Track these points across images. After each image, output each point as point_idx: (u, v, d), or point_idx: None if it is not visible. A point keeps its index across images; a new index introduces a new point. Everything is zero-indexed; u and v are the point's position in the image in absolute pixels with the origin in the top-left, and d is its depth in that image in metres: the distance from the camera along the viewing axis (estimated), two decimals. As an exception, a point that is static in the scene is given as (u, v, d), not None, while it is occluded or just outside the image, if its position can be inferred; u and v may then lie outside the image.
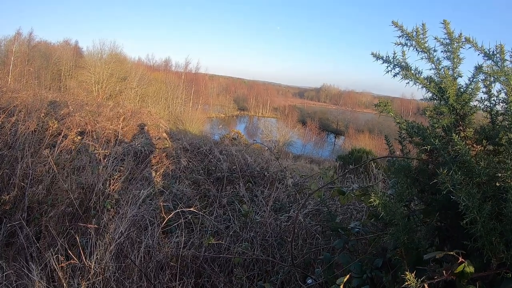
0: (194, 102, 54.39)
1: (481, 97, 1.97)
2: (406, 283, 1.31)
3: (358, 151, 22.22)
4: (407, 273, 1.30)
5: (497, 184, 1.58)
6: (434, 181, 1.58)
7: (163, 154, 7.53)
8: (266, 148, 8.61)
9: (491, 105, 1.96)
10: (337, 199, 3.96)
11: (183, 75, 58.02)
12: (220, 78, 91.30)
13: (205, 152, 7.89)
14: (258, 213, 4.39)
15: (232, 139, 10.39)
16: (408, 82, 1.96)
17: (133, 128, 9.29)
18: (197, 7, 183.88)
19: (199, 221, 4.17)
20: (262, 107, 78.85)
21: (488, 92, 1.94)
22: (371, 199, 1.83)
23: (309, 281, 2.58)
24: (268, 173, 6.88)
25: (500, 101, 1.90)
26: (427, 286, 1.32)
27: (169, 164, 6.96)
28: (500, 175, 1.56)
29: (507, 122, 1.77)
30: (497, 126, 1.87)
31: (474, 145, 1.86)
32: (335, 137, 65.09)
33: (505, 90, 1.80)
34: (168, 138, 8.73)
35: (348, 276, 1.44)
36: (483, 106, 1.99)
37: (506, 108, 1.81)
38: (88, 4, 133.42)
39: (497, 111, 1.93)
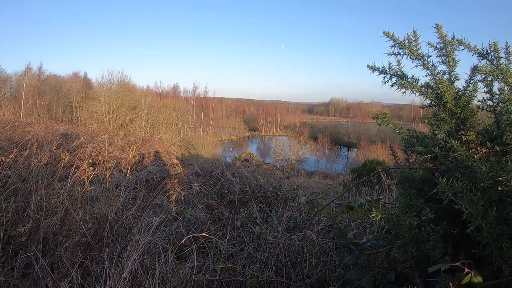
0: (204, 126, 54.71)
1: (483, 97, 1.94)
2: None
3: (371, 163, 22.02)
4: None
5: (499, 188, 1.54)
6: (434, 191, 1.55)
7: (175, 180, 7.52)
8: (277, 168, 8.57)
9: (494, 104, 1.92)
10: (349, 214, 3.94)
11: (192, 100, 58.53)
12: (229, 101, 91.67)
13: (217, 176, 7.86)
14: (271, 233, 4.35)
15: (244, 161, 10.37)
16: (405, 92, 1.94)
17: (145, 156, 9.33)
18: (201, 32, 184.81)
19: (213, 245, 4.15)
20: (272, 126, 79.07)
21: (490, 91, 1.91)
22: (373, 215, 1.80)
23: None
24: (281, 192, 6.83)
25: (502, 100, 1.86)
26: None
27: (181, 190, 6.95)
28: (501, 179, 1.52)
29: (508, 121, 1.74)
30: (502, 126, 1.83)
31: (478, 148, 1.82)
32: (348, 150, 64.94)
33: (505, 87, 1.78)
34: (179, 164, 8.74)
35: None
36: (486, 106, 1.96)
37: (504, 106, 1.78)
38: (94, 36, 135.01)
39: (501, 110, 1.88)
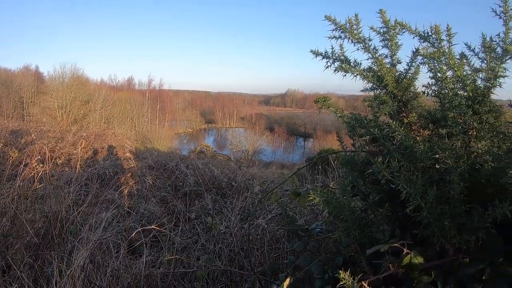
0: (160, 119, 54.00)
1: (428, 82, 1.95)
2: (341, 283, 1.25)
3: (326, 151, 22.25)
4: (341, 272, 1.24)
5: (437, 166, 1.55)
6: (370, 170, 1.55)
7: (128, 175, 7.41)
8: (229, 158, 8.57)
9: (438, 88, 1.93)
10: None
11: (147, 93, 57.64)
12: (185, 93, 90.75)
13: (171, 169, 7.79)
14: (224, 223, 4.33)
15: (200, 153, 10.32)
16: (345, 75, 1.94)
17: (98, 151, 9.16)
18: (155, 23, 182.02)
19: (167, 239, 4.10)
20: (229, 118, 78.93)
21: (435, 76, 1.91)
22: (311, 197, 1.78)
23: (274, 287, 2.53)
24: (235, 183, 6.84)
25: (445, 82, 1.87)
26: (366, 283, 1.26)
27: (135, 184, 6.86)
28: (438, 156, 1.53)
29: (447, 102, 1.76)
30: (445, 108, 1.84)
31: (421, 131, 1.83)
32: (304, 141, 65.46)
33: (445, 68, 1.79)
34: (133, 158, 8.61)
35: (289, 278, 1.38)
36: (431, 91, 1.97)
37: (441, 86, 1.80)
38: (46, 28, 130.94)
39: (444, 92, 1.89)
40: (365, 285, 1.22)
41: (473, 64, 1.80)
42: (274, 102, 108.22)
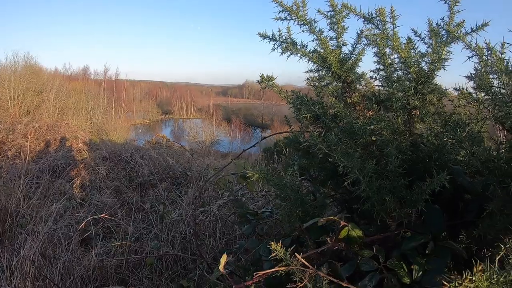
0: (116, 110, 52.98)
1: (376, 67, 1.97)
2: (273, 254, 1.25)
3: (282, 141, 22.33)
4: (272, 243, 1.24)
5: (373, 138, 1.57)
6: (305, 143, 1.56)
7: (81, 165, 7.28)
8: (182, 146, 8.53)
9: (386, 73, 1.95)
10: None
11: (103, 83, 56.39)
12: (142, 83, 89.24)
13: (126, 159, 7.69)
14: (176, 211, 4.31)
15: (156, 143, 10.22)
16: (290, 55, 1.94)
17: (50, 142, 8.96)
18: (112, 12, 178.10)
19: (121, 229, 4.06)
20: (186, 109, 78.21)
21: (382, 60, 1.93)
22: (249, 174, 1.78)
23: (224, 272, 2.52)
24: (190, 172, 6.82)
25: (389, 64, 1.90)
26: (302, 258, 1.25)
27: (87, 175, 6.75)
28: (373, 127, 1.55)
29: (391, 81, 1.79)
30: (391, 90, 1.86)
31: (365, 111, 1.85)
32: (262, 131, 65.55)
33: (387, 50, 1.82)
34: (86, 149, 8.46)
35: (225, 255, 1.37)
36: (378, 76, 1.99)
37: (386, 69, 1.82)
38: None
39: (389, 73, 1.91)
40: (299, 256, 1.21)
41: (419, 49, 1.83)
42: (232, 93, 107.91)
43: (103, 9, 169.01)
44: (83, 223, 3.47)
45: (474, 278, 0.98)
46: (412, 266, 1.45)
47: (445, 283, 1.00)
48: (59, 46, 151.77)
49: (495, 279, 0.98)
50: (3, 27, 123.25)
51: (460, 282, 0.98)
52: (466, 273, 0.98)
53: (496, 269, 0.98)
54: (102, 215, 3.58)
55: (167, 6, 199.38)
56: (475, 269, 0.99)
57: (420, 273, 1.43)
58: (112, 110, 50.26)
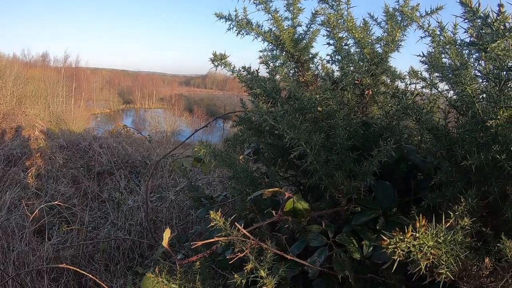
0: (76, 99, 51.78)
1: (328, 42, 1.97)
2: (212, 224, 1.23)
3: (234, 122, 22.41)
4: (211, 212, 1.22)
5: (320, 108, 1.57)
6: (249, 114, 1.54)
7: (37, 154, 7.12)
8: (139, 133, 8.47)
9: (338, 49, 1.95)
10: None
11: (63, 70, 55.10)
12: (103, 72, 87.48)
13: (84, 148, 7.56)
14: (132, 199, 4.27)
15: (116, 132, 10.10)
16: (244, 34, 1.92)
17: (6, 131, 8.75)
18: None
19: (77, 219, 3.98)
20: (148, 98, 77.18)
21: (333, 35, 1.93)
22: (196, 148, 1.76)
23: (179, 256, 2.50)
24: (150, 161, 6.76)
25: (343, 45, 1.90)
26: (246, 231, 1.24)
27: (43, 163, 6.60)
28: (318, 96, 1.55)
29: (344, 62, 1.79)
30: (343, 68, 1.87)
31: (318, 91, 1.85)
32: (224, 122, 65.53)
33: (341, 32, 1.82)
34: (43, 138, 8.27)
35: (168, 229, 1.34)
36: (335, 60, 1.99)
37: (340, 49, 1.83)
38: None
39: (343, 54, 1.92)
40: (240, 227, 1.19)
41: (374, 32, 1.84)
42: (194, 83, 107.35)
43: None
44: (36, 211, 3.39)
45: (417, 235, 0.93)
46: (362, 242, 1.45)
47: (385, 238, 0.94)
48: (17, 31, 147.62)
49: (442, 238, 0.94)
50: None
51: (401, 237, 0.92)
52: (409, 229, 0.93)
53: (443, 228, 0.95)
54: (56, 203, 3.50)
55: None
56: (418, 225, 0.93)
57: (371, 248, 1.43)
58: (72, 99, 49.19)
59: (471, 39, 1.14)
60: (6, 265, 3.10)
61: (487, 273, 1.10)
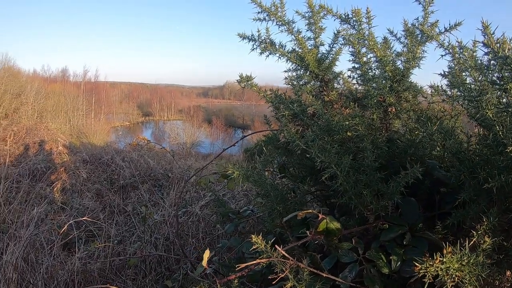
0: (96, 113, 52.22)
1: (353, 66, 2.01)
2: (254, 247, 1.29)
3: (262, 141, 22.26)
4: (253, 236, 1.27)
5: (349, 133, 1.61)
6: (283, 139, 1.59)
7: (61, 169, 7.23)
8: (163, 147, 8.52)
9: (362, 72, 1.98)
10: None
11: (82, 85, 55.56)
12: (122, 85, 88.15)
13: (107, 162, 7.66)
14: (159, 213, 4.31)
15: (137, 145, 10.17)
16: (268, 55, 1.97)
17: (30, 146, 8.89)
18: (92, 12, 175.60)
19: (103, 232, 4.05)
20: (167, 110, 77.39)
21: (358, 60, 1.97)
22: (229, 171, 1.80)
23: (208, 271, 2.54)
24: (172, 174, 6.82)
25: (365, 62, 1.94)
26: (283, 249, 1.29)
27: (68, 178, 6.70)
28: (348, 122, 1.60)
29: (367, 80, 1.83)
30: (366, 86, 1.91)
31: (343, 109, 1.89)
32: (242, 132, 65.28)
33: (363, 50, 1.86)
34: (66, 152, 8.40)
35: (208, 250, 1.40)
36: (356, 75, 2.04)
37: (363, 67, 1.87)
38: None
39: (365, 71, 1.96)
40: (279, 249, 1.25)
41: (394, 48, 1.88)
42: (212, 94, 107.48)
43: (82, 10, 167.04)
44: (65, 227, 3.45)
45: (444, 260, 1.05)
46: (390, 257, 1.50)
47: (417, 264, 1.07)
48: (37, 48, 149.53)
49: (466, 261, 1.04)
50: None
51: (431, 263, 1.05)
52: (437, 255, 1.05)
53: (466, 251, 1.05)
54: (84, 218, 3.57)
55: (145, 5, 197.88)
56: (445, 251, 1.06)
57: (399, 263, 1.48)
58: (92, 112, 49.61)
59: (492, 79, 1.20)
60: (36, 279, 3.16)
61: (509, 285, 1.17)
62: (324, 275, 1.33)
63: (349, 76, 2.05)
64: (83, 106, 45.90)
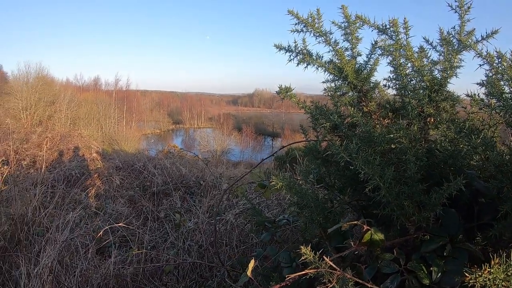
0: (128, 120, 52.83)
1: (389, 76, 2.01)
2: (303, 258, 1.30)
3: (293, 150, 22.25)
4: (302, 247, 1.29)
5: (393, 146, 1.62)
6: (328, 152, 1.60)
7: (95, 175, 7.36)
8: (196, 156, 8.58)
9: (400, 82, 1.98)
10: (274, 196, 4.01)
11: (114, 93, 56.31)
12: (152, 93, 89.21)
13: (139, 169, 7.76)
14: (192, 220, 4.34)
15: (168, 153, 10.27)
16: (306, 66, 1.99)
17: (64, 152, 9.06)
18: (123, 22, 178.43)
19: (136, 238, 4.10)
20: (197, 118, 77.94)
21: (395, 69, 1.97)
22: (273, 182, 1.82)
23: (246, 279, 2.56)
24: (204, 181, 6.87)
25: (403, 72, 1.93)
26: (330, 260, 1.30)
27: (102, 184, 6.81)
28: (393, 136, 1.60)
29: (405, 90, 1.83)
30: (404, 96, 1.91)
31: (381, 119, 1.90)
32: (272, 140, 65.20)
33: (402, 60, 1.86)
34: (99, 159, 8.54)
35: (253, 260, 1.41)
36: (392, 84, 2.03)
37: (401, 77, 1.86)
38: (11, 25, 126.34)
39: (404, 82, 1.96)
40: (327, 259, 1.26)
41: (431, 57, 1.87)
42: (242, 102, 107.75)
43: (113, 19, 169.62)
44: (101, 232, 3.51)
45: (492, 270, 1.09)
46: (431, 268, 1.50)
47: (467, 274, 1.12)
48: (70, 57, 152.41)
49: (511, 272, 1.06)
50: (13, 37, 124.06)
51: (480, 274, 1.10)
52: (485, 266, 1.10)
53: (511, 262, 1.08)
54: (119, 224, 3.62)
55: (174, 15, 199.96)
56: (492, 262, 1.10)
57: (439, 274, 1.48)
58: (123, 120, 50.15)
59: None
60: (70, 282, 3.22)
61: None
62: (369, 285, 1.34)
63: (385, 85, 2.05)
64: (115, 114, 46.55)
